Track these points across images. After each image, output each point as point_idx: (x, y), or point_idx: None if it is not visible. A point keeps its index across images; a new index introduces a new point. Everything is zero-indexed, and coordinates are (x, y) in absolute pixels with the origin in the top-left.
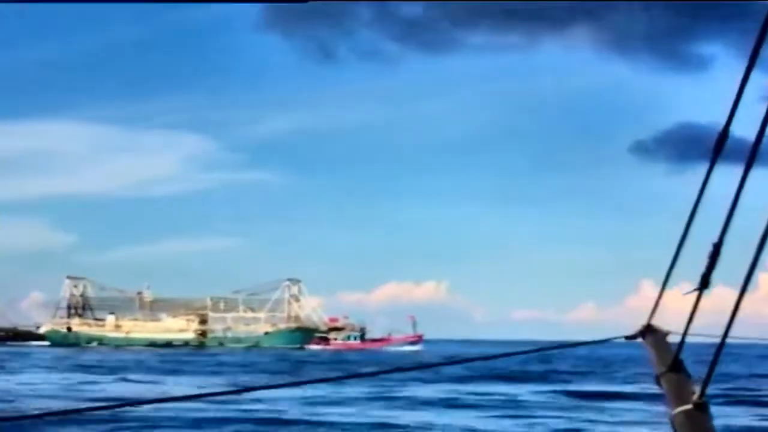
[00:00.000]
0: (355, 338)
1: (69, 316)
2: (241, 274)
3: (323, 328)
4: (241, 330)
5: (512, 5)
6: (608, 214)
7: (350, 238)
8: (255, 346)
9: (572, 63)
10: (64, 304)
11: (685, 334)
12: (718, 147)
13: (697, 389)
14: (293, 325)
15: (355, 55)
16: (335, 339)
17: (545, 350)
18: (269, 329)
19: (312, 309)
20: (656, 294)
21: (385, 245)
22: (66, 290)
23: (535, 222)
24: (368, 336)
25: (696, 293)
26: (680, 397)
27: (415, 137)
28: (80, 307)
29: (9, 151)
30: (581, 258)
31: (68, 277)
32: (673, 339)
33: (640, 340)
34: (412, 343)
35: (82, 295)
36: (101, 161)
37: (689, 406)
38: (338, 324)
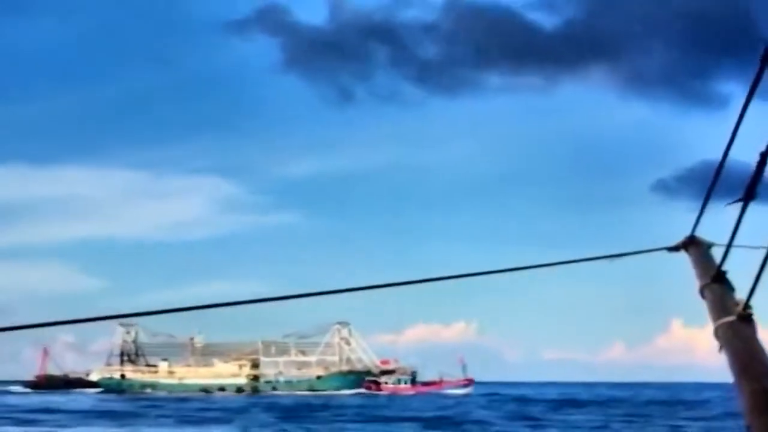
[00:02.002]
0: (406, 382)
1: (122, 362)
2: (273, 317)
3: (375, 370)
4: (293, 374)
5: (530, 46)
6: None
7: (377, 280)
8: (309, 390)
9: (592, 103)
10: (116, 351)
11: (729, 245)
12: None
13: (742, 301)
14: (345, 368)
15: (373, 98)
16: (386, 383)
17: (594, 259)
18: (321, 373)
19: (363, 351)
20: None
21: (412, 286)
22: (118, 336)
23: (558, 259)
24: (419, 379)
25: (741, 204)
26: (724, 309)
27: (438, 179)
28: (133, 354)
29: (40, 196)
30: (609, 297)
31: (120, 324)
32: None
33: (683, 251)
34: (464, 386)
35: (134, 341)
36: (130, 206)
37: (733, 318)
38: (389, 366)
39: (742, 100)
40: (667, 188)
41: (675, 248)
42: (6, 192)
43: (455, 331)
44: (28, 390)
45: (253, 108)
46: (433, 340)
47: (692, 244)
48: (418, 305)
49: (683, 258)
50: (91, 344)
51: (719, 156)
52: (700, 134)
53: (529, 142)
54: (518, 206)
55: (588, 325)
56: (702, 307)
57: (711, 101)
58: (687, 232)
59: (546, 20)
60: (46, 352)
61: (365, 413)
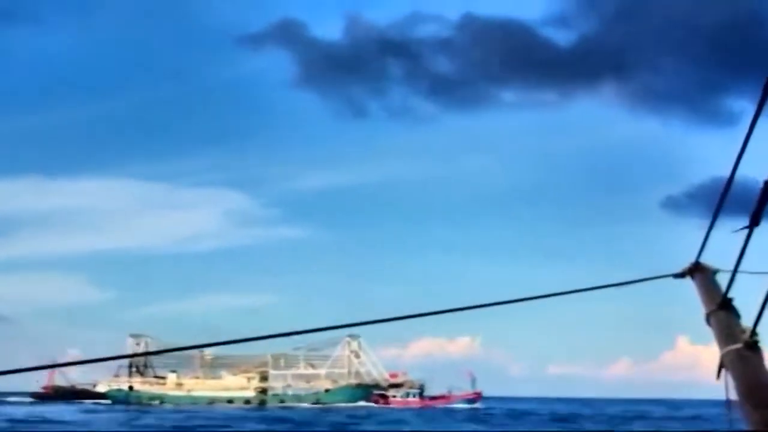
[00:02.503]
0: (414, 395)
1: (130, 374)
2: (283, 330)
3: (384, 384)
4: (302, 387)
5: (544, 61)
6: (642, 269)
7: (386, 293)
8: (316, 403)
9: (604, 118)
10: (125, 362)
11: (735, 272)
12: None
13: (748, 328)
14: (354, 381)
15: (387, 113)
16: (394, 396)
17: (601, 288)
18: (330, 386)
19: (372, 365)
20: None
21: (418, 300)
22: (128, 348)
23: (568, 276)
24: (427, 393)
25: (746, 231)
26: (730, 336)
27: (449, 194)
28: (141, 365)
29: (52, 208)
30: (616, 313)
31: (130, 335)
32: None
33: (688, 278)
34: (472, 400)
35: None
36: (141, 217)
37: (739, 345)
38: (398, 380)
39: (749, 122)
40: (677, 205)
41: (680, 275)
42: (19, 204)
43: (460, 346)
44: (29, 400)
45: (267, 122)
46: (437, 353)
47: (697, 270)
48: (423, 320)
49: (687, 279)
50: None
51: (729, 173)
52: (711, 151)
53: (540, 157)
54: (529, 221)
55: (594, 340)
56: (709, 327)
57: (722, 118)
58: (696, 251)
59: (560, 36)
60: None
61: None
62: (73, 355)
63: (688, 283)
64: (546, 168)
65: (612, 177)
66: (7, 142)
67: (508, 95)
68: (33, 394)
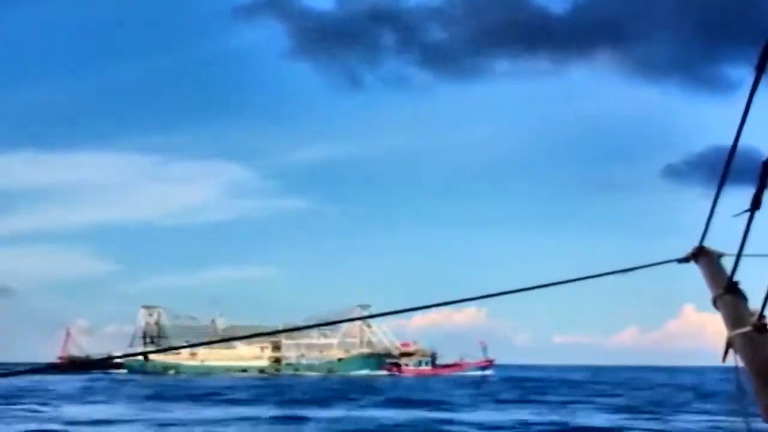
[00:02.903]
0: (426, 364)
1: (145, 344)
2: (295, 300)
3: (395, 353)
4: (315, 356)
5: (539, 30)
6: (644, 238)
7: (388, 264)
8: (329, 372)
9: (601, 87)
10: (139, 333)
11: (739, 255)
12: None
13: (756, 311)
14: (366, 350)
15: (381, 83)
16: (407, 365)
17: (606, 275)
18: (342, 355)
19: (384, 334)
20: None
21: (423, 271)
22: (141, 319)
23: (569, 246)
24: (439, 361)
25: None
26: (738, 320)
27: (448, 164)
28: (155, 336)
29: (50, 182)
30: (620, 283)
31: (143, 307)
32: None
33: (692, 262)
34: (484, 368)
35: (156, 323)
36: (140, 191)
37: (748, 328)
38: (410, 349)
39: (747, 92)
40: (677, 174)
41: (685, 259)
42: (17, 178)
43: (466, 316)
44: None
45: (262, 94)
46: (444, 324)
47: (702, 255)
48: (428, 291)
49: (688, 248)
50: (103, 328)
51: (730, 141)
52: (710, 119)
53: (537, 126)
54: (527, 191)
55: (600, 310)
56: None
57: (721, 85)
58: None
59: (554, 4)
60: (68, 334)
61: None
62: (80, 325)
63: (686, 250)
64: (543, 138)
65: (610, 146)
66: (2, 117)
67: (502, 64)
68: (49, 365)
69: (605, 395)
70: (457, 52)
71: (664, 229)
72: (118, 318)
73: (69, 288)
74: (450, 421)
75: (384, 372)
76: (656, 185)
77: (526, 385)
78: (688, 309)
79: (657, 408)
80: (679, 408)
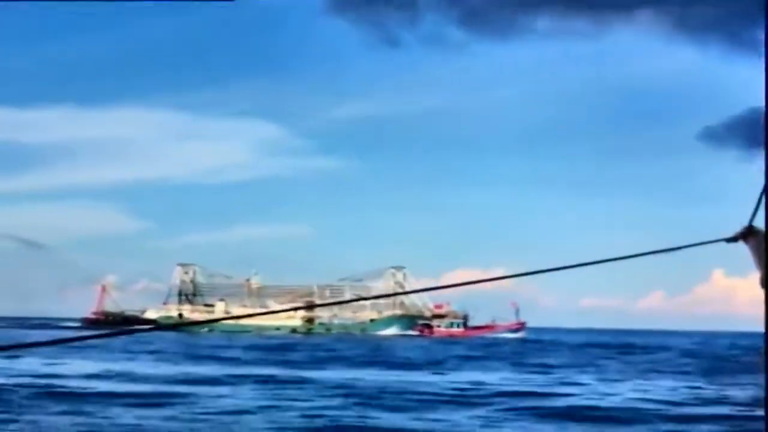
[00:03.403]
0: (458, 325)
1: (180, 302)
2: (329, 261)
3: (428, 314)
4: (348, 317)
5: None
6: (678, 201)
7: (420, 225)
8: (362, 332)
9: (640, 48)
10: (174, 291)
11: None
12: None
13: None
14: (398, 311)
15: (419, 42)
16: (438, 326)
17: (653, 253)
18: (375, 316)
19: (417, 295)
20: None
21: (454, 232)
22: (177, 276)
23: (603, 208)
24: (471, 323)
25: None
26: None
27: (484, 124)
28: (190, 293)
29: (82, 138)
30: (649, 246)
31: (179, 264)
32: None
33: (741, 242)
34: (515, 330)
35: (192, 282)
36: (173, 148)
37: None
38: (442, 311)
39: None
40: (714, 136)
41: (733, 239)
42: (52, 133)
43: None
44: (78, 326)
45: (298, 51)
46: (471, 286)
47: (751, 234)
48: (458, 252)
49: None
50: (132, 285)
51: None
52: (750, 81)
53: (575, 87)
54: (564, 152)
55: (628, 273)
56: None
57: (761, 47)
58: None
59: None
60: (104, 289)
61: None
62: (109, 282)
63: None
64: (580, 98)
65: (647, 108)
66: (39, 73)
67: (542, 24)
68: (83, 320)
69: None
70: (495, 11)
71: (700, 194)
72: (149, 275)
73: (100, 244)
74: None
75: (415, 332)
76: (693, 148)
77: (592, 351)
78: (718, 274)
79: None
80: None
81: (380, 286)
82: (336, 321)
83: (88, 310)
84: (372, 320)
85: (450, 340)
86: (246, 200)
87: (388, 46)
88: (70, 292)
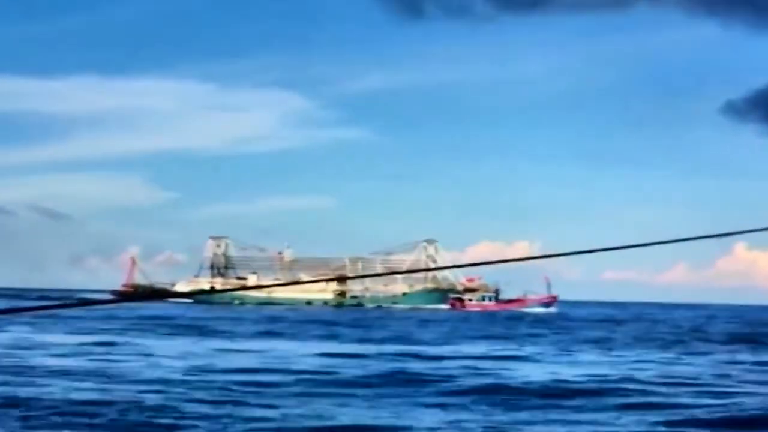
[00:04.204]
0: (489, 299)
1: (212, 275)
2: (361, 234)
3: (459, 288)
4: (379, 290)
5: None
6: (699, 175)
7: (444, 197)
8: (393, 305)
9: (663, 21)
10: (207, 264)
11: None
12: None
13: None
14: (430, 285)
15: (442, 12)
16: (470, 300)
17: (702, 238)
18: (407, 290)
19: (449, 269)
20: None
21: (477, 204)
22: (209, 249)
23: (625, 181)
24: (502, 296)
25: None
26: None
27: (508, 96)
28: (222, 267)
29: (106, 108)
30: (672, 218)
31: (211, 237)
32: None
33: None
34: (547, 304)
35: (224, 254)
36: (199, 119)
37: None
38: (473, 285)
39: None
40: (736, 110)
41: None
42: (75, 103)
43: (517, 251)
44: (110, 297)
45: (322, 22)
46: (495, 258)
47: None
48: (482, 224)
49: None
50: (155, 256)
51: None
52: None
53: (598, 60)
54: (585, 125)
55: (651, 246)
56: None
57: None
58: (755, 157)
59: None
60: (134, 262)
61: None
62: (131, 253)
63: (746, 189)
64: (603, 71)
65: (670, 81)
66: (62, 41)
67: None
68: (114, 292)
69: None
70: None
71: (721, 165)
72: (173, 246)
73: (123, 215)
74: None
75: (447, 306)
76: (714, 121)
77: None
78: (740, 247)
79: None
80: None
81: (412, 259)
82: (368, 294)
83: (111, 282)
84: (404, 294)
85: (484, 314)
86: (271, 171)
87: (411, 16)
88: (93, 262)
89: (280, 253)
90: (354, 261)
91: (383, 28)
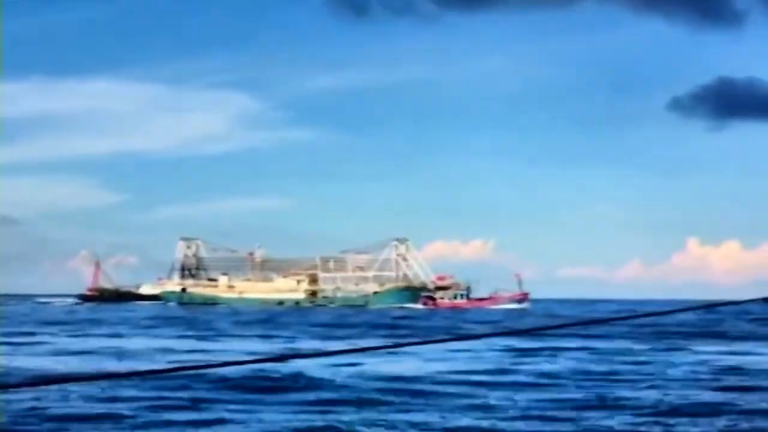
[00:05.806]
0: (461, 297)
1: (182, 276)
2: (331, 233)
3: (431, 286)
4: (351, 289)
5: None
6: (649, 171)
7: (396, 195)
8: (365, 305)
9: (608, 19)
10: (177, 265)
11: None
12: None
13: None
14: (402, 284)
15: (388, 12)
16: (442, 298)
17: (714, 306)
18: (378, 288)
19: (420, 267)
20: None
21: (431, 202)
22: (179, 251)
23: (576, 179)
24: (473, 295)
25: None
26: None
27: (455, 96)
28: (194, 268)
29: (57, 110)
30: (625, 216)
31: (182, 239)
32: None
33: None
34: (519, 301)
35: (195, 256)
36: (149, 120)
37: None
38: (445, 282)
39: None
40: (682, 106)
41: None
42: (25, 105)
43: (473, 249)
44: (74, 302)
45: (270, 23)
46: (451, 257)
47: None
48: (438, 223)
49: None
50: (108, 259)
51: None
52: (716, 51)
53: (545, 58)
54: (534, 124)
55: (605, 243)
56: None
57: (727, 18)
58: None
59: None
60: (98, 266)
61: None
62: (83, 256)
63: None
64: (549, 69)
65: (616, 78)
66: (12, 43)
67: None
68: (79, 296)
69: None
70: None
71: (670, 162)
72: (125, 248)
73: (75, 218)
74: None
75: (419, 305)
76: (661, 118)
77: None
78: (692, 242)
79: None
80: None
81: (383, 258)
82: (339, 294)
83: (69, 287)
84: (375, 293)
85: (457, 311)
86: (227, 173)
87: (357, 17)
88: (46, 266)
89: (251, 253)
90: (325, 260)
91: (330, 28)
